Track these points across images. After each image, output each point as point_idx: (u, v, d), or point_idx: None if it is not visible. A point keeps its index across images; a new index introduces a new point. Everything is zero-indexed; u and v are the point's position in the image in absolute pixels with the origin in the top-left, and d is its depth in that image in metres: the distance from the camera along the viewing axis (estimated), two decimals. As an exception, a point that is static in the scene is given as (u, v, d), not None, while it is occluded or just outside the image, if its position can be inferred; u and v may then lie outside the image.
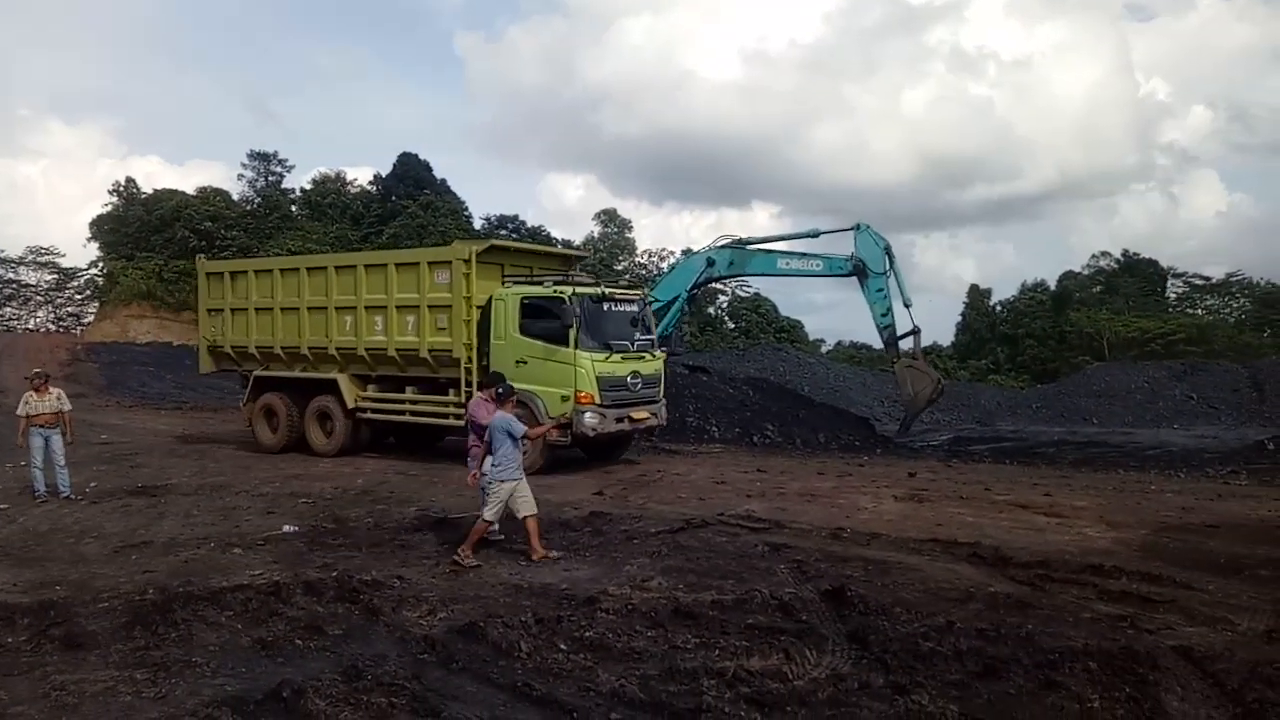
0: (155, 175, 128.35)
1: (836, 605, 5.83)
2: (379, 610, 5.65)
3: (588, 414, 12.64)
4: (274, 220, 60.54)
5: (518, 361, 12.86)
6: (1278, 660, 4.68)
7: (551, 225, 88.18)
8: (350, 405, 14.62)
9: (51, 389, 10.99)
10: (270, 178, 66.83)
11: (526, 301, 13.28)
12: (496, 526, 7.85)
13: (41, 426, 10.69)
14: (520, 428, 7.79)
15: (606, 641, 5.05)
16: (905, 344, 22.46)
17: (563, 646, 4.96)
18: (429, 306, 13.73)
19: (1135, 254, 60.53)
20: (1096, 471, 14.06)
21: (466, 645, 4.97)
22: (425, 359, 13.82)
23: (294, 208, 64.86)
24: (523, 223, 66.33)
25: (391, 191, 64.39)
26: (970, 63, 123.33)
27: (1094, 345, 47.92)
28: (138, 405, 28.00)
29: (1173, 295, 60.26)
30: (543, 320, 13.07)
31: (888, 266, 21.91)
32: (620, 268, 65.79)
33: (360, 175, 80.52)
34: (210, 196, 61.20)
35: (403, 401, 14.41)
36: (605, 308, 13.41)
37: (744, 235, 24.10)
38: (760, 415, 22.46)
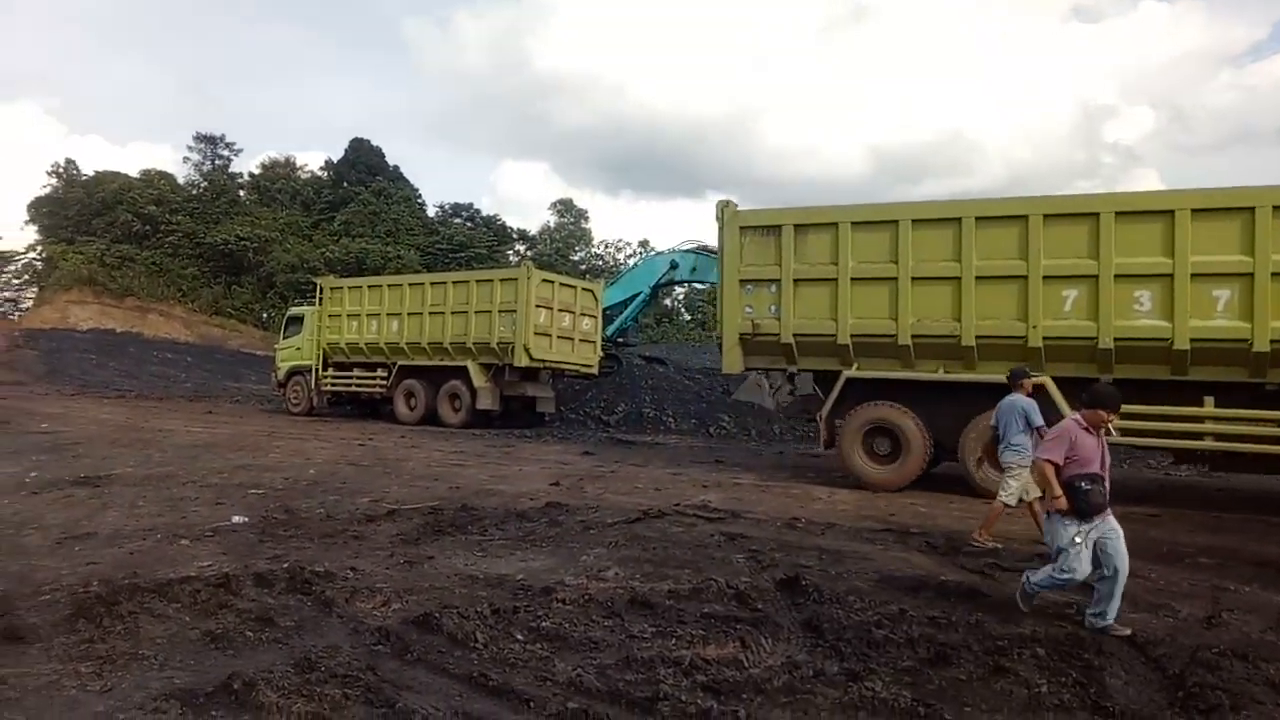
0: (96, 157, 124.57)
1: (791, 594, 5.90)
2: (332, 602, 5.57)
3: None
4: (221, 205, 59.17)
5: None
6: (1216, 646, 4.83)
7: (506, 214, 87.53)
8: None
9: None
10: (217, 161, 65.34)
11: None
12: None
13: None
14: (1039, 418, 7.73)
15: (563, 631, 5.04)
16: None
17: (519, 637, 4.94)
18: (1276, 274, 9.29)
19: (1081, 251, 61.95)
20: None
21: (422, 636, 4.91)
22: (1260, 354, 9.37)
23: (242, 193, 63.47)
24: (477, 210, 65.83)
25: (343, 177, 63.39)
26: (924, 58, 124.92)
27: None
28: (79, 394, 27.24)
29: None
30: None
31: None
32: (577, 258, 65.59)
33: (311, 160, 79.18)
34: (154, 179, 59.57)
35: (1201, 420, 9.70)
36: None
37: (709, 243, 24.32)
38: (716, 406, 22.63)
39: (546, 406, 21.89)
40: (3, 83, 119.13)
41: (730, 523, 8.62)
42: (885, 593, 6.05)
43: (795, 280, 11.67)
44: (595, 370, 22.58)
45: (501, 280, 20.59)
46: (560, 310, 20.78)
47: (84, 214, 57.14)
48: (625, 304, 25.38)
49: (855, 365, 11.42)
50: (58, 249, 55.67)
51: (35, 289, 60.31)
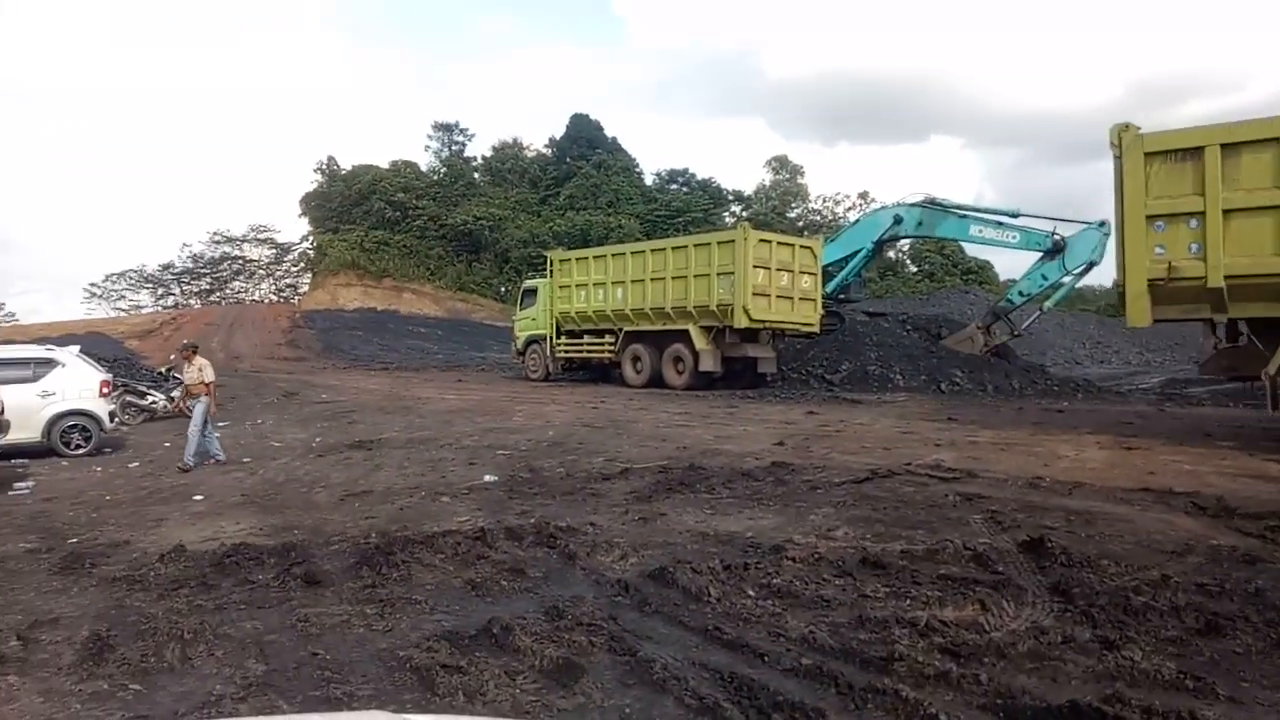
0: (352, 151, 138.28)
1: (1035, 556, 5.58)
2: (575, 555, 5.95)
3: None
4: (459, 188, 63.59)
5: None
6: None
7: (721, 175, 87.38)
8: None
9: (196, 359, 11.21)
10: (454, 147, 70.16)
11: None
12: None
13: (194, 396, 11.12)
14: None
15: (794, 589, 5.08)
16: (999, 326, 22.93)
17: (751, 593, 5.05)
18: None
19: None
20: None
21: (658, 589, 5.15)
22: None
23: (476, 175, 67.83)
24: (693, 175, 66.23)
25: (565, 153, 65.98)
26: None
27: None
28: (350, 367, 30.51)
29: None
30: None
31: (1081, 271, 21.73)
32: (793, 215, 64.45)
33: (536, 139, 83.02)
34: (402, 169, 65.03)
35: None
36: None
37: (937, 195, 23.47)
38: (948, 361, 21.59)
39: (768, 367, 21.85)
40: (268, 90, 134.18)
41: (966, 482, 8.27)
42: (1144, 557, 5.58)
43: (1225, 211, 9.73)
44: (816, 328, 22.22)
45: (719, 243, 20.68)
46: (778, 269, 20.55)
47: (344, 205, 63.60)
48: (846, 260, 24.71)
49: None
50: (325, 238, 62.54)
51: (309, 275, 68.14)
